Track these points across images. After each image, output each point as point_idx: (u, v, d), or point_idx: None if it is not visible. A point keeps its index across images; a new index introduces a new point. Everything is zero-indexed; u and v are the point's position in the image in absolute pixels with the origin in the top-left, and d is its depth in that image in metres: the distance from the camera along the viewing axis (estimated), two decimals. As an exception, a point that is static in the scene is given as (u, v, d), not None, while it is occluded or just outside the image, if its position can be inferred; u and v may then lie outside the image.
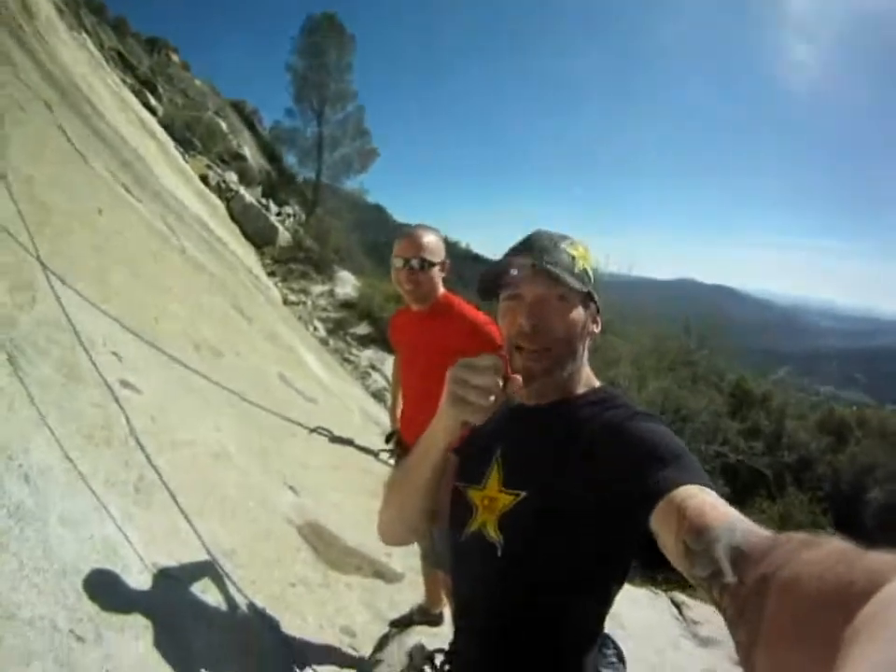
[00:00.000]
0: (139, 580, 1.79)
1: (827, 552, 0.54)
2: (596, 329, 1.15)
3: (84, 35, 14.21)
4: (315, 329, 11.56)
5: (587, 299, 1.11)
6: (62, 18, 12.16)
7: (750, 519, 0.78)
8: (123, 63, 17.57)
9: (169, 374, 3.31)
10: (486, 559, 1.06)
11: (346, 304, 13.87)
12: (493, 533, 1.07)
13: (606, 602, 1.05)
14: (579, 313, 1.09)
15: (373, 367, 10.91)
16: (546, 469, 1.03)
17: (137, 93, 15.55)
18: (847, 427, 16.23)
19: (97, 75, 11.63)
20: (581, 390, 1.13)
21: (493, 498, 1.09)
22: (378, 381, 10.31)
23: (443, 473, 1.15)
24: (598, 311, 1.14)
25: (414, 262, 2.09)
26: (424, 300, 2.16)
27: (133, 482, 2.22)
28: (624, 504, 0.89)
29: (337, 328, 12.34)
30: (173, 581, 1.94)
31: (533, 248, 1.09)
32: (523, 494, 1.04)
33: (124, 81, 15.37)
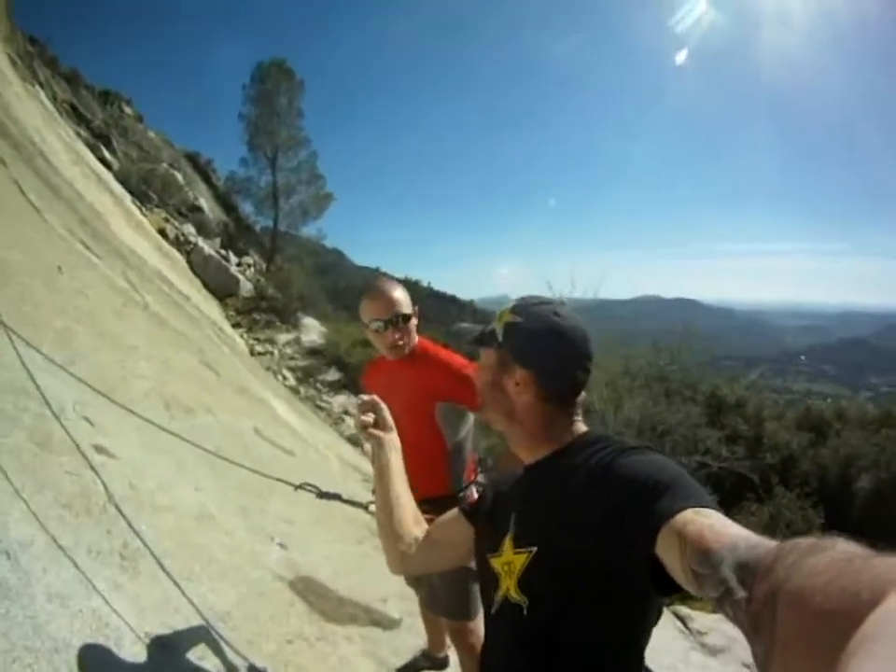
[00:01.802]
0: (133, 651, 1.69)
1: (831, 559, 0.54)
2: (521, 390, 1.16)
3: (38, 87, 14.10)
4: (285, 378, 11.42)
5: (497, 357, 1.19)
6: (15, 69, 12.05)
7: (741, 524, 0.81)
8: (77, 116, 17.47)
9: (142, 436, 3.21)
10: (514, 622, 1.08)
11: (314, 351, 13.78)
12: (516, 595, 1.09)
13: (639, 640, 1.05)
14: (484, 367, 1.21)
15: (346, 412, 10.81)
16: (550, 521, 1.06)
17: (92, 147, 15.42)
18: (826, 421, 16.60)
19: (51, 128, 11.50)
20: (562, 443, 1.15)
21: (510, 562, 1.11)
22: (352, 426, 10.17)
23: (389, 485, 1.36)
24: (527, 368, 1.15)
25: (395, 320, 2.09)
26: (406, 353, 2.17)
27: (118, 550, 2.12)
28: (627, 539, 0.91)
29: (306, 375, 12.22)
30: (168, 650, 1.84)
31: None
32: (534, 549, 1.07)
33: (78, 134, 15.25)
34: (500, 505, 1.25)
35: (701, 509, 0.85)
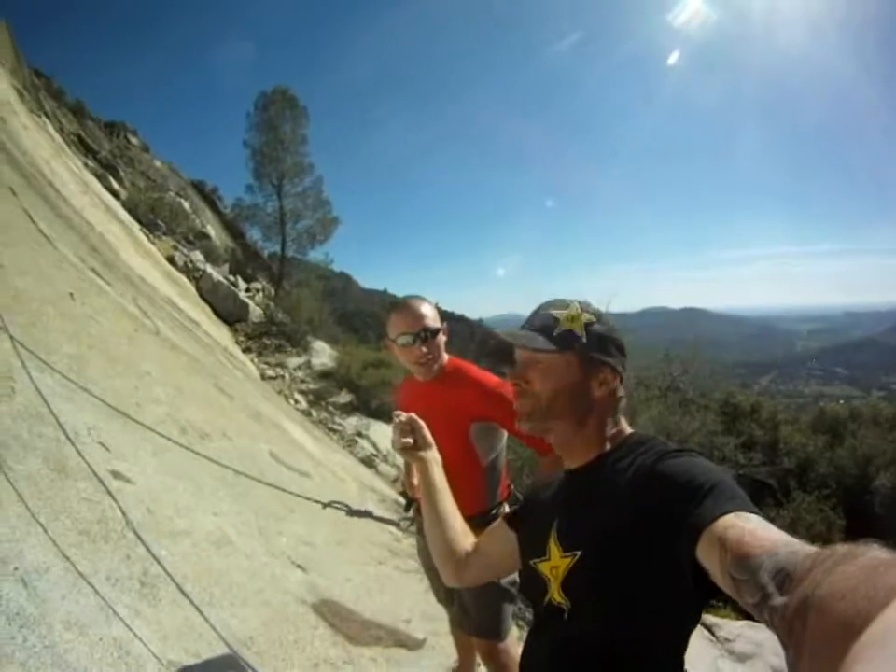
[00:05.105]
0: (157, 681, 1.63)
1: (860, 565, 0.55)
2: (605, 389, 1.16)
3: (45, 118, 14.29)
4: (297, 401, 11.36)
5: (580, 357, 1.14)
6: (22, 101, 12.24)
7: None
8: (84, 147, 17.69)
9: (159, 462, 3.17)
10: (556, 624, 1.09)
11: (324, 374, 13.74)
12: (559, 598, 1.09)
13: (679, 646, 1.04)
14: (560, 372, 1.14)
15: (360, 434, 10.72)
16: (593, 526, 1.05)
17: (99, 177, 15.57)
18: (841, 422, 16.49)
19: (59, 159, 11.64)
20: (611, 445, 1.15)
21: (557, 566, 1.11)
22: (366, 447, 10.12)
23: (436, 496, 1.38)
24: (612, 368, 1.16)
25: (423, 335, 2.06)
26: (434, 369, 2.14)
27: (138, 576, 2.06)
28: (670, 543, 0.90)
29: (318, 398, 12.15)
30: (193, 678, 1.78)
31: (530, 315, 1.21)
32: (579, 553, 1.06)
33: (86, 165, 15.42)
34: (542, 510, 1.24)
35: (742, 513, 0.84)
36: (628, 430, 1.18)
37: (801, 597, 0.59)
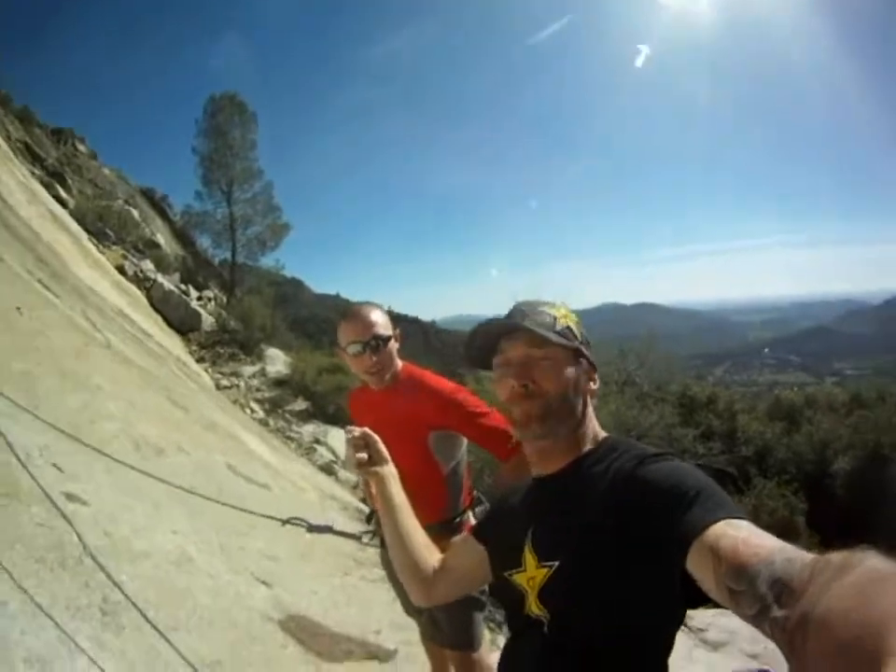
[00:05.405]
0: (126, 714, 1.57)
1: (856, 581, 0.56)
2: (594, 386, 1.17)
3: (-10, 126, 13.66)
4: (253, 410, 11.14)
5: (576, 355, 1.13)
6: None
7: None
8: (31, 155, 16.95)
9: (113, 480, 3.05)
10: (535, 637, 1.05)
11: (279, 382, 13.53)
12: (537, 610, 1.06)
13: (664, 648, 1.03)
14: (568, 369, 1.10)
15: (317, 441, 10.58)
16: (572, 534, 1.02)
17: (47, 186, 14.93)
18: (797, 409, 17.03)
19: (5, 167, 11.15)
20: (588, 447, 1.13)
21: (533, 577, 1.08)
22: (324, 454, 9.99)
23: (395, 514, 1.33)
24: (594, 367, 1.17)
25: (373, 343, 2.00)
26: (387, 378, 2.08)
27: (98, 604, 1.98)
28: (655, 552, 0.88)
29: (274, 406, 11.95)
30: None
31: (514, 314, 1.15)
32: (556, 563, 1.03)
33: (32, 173, 14.79)
34: (512, 519, 1.20)
35: (733, 520, 0.83)
36: (602, 433, 1.16)
37: (800, 613, 0.60)
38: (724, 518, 0.83)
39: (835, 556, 0.62)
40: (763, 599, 0.67)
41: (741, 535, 0.79)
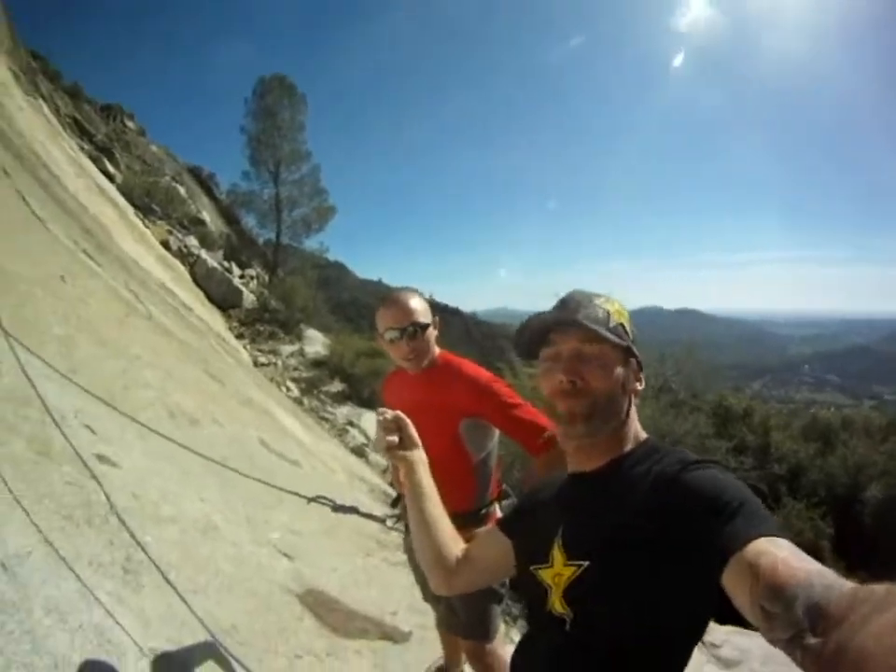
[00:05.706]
0: (138, 668, 1.61)
1: None
2: (639, 387, 1.13)
3: (40, 101, 14.15)
4: (289, 389, 11.33)
5: (626, 354, 1.09)
6: (18, 83, 12.10)
7: None
8: (80, 130, 17.55)
9: (145, 446, 3.13)
10: (555, 633, 1.03)
11: (317, 363, 13.73)
12: (560, 608, 1.03)
13: (685, 657, 1.00)
14: (618, 368, 1.07)
15: (351, 423, 10.71)
16: (605, 535, 0.99)
17: (95, 160, 15.45)
18: (832, 430, 16.55)
19: (54, 141, 11.53)
20: (629, 447, 1.09)
21: (560, 574, 1.05)
22: (357, 437, 10.11)
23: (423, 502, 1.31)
24: (640, 367, 1.13)
25: (410, 330, 1.99)
26: (424, 364, 2.08)
27: (121, 562, 2.03)
28: (693, 556, 0.85)
29: (310, 387, 12.13)
30: (174, 666, 1.76)
31: (568, 305, 1.10)
32: (585, 563, 1.01)
33: (81, 148, 15.30)
34: (543, 514, 1.18)
35: (774, 538, 0.80)
36: (643, 434, 1.13)
37: (837, 643, 0.58)
38: (766, 535, 0.80)
39: (878, 588, 0.60)
40: (798, 625, 0.65)
41: (781, 554, 0.76)
